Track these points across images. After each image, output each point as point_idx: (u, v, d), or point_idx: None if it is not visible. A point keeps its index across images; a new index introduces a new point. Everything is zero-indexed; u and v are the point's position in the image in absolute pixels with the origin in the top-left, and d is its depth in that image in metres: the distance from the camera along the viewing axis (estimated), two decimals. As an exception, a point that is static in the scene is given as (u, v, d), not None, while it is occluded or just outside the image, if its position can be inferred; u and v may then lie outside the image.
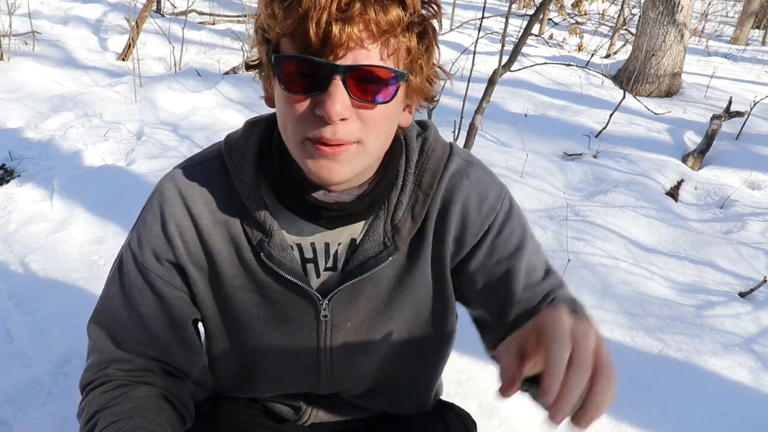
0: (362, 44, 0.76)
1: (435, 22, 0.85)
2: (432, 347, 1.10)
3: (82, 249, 2.81)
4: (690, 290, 2.92)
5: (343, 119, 0.79)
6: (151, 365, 1.00)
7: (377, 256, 0.95)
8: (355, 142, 0.82)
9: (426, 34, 0.83)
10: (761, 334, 2.62)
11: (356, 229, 0.97)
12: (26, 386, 2.05)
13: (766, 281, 2.81)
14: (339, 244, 0.98)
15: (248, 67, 0.90)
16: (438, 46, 0.88)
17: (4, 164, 3.63)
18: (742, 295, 2.88)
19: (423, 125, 1.04)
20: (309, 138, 0.81)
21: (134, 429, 0.89)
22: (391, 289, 1.00)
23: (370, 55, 0.77)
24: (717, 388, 2.29)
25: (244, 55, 5.97)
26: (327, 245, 0.98)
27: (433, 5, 0.84)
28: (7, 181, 3.43)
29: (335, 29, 0.73)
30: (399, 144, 0.97)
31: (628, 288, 2.86)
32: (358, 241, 0.97)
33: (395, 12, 0.76)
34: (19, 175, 3.52)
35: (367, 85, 0.78)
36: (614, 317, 2.64)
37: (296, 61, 0.78)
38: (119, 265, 1.01)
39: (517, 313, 0.99)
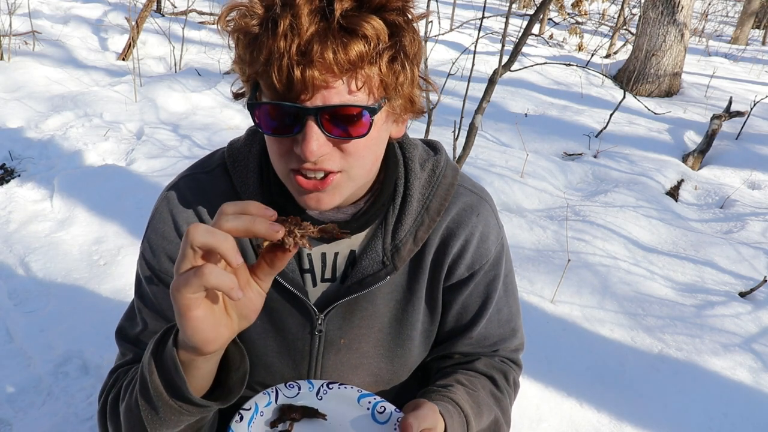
0: (328, 83, 0.75)
1: (410, 38, 0.80)
2: (421, 365, 1.12)
3: (82, 249, 2.81)
4: (690, 290, 2.92)
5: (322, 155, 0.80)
6: None
7: (376, 274, 0.97)
8: (338, 171, 0.83)
9: (397, 58, 0.79)
10: (761, 334, 2.62)
11: (355, 241, 0.99)
12: (26, 386, 2.06)
13: (766, 281, 2.81)
14: (336, 254, 0.99)
15: (237, 96, 0.90)
16: (416, 67, 0.83)
17: (4, 164, 3.64)
18: (742, 295, 2.88)
19: (434, 147, 1.04)
20: (293, 170, 0.83)
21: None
22: (387, 308, 1.02)
23: (339, 91, 0.77)
24: (717, 388, 2.29)
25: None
26: (324, 255, 0.99)
27: (404, 17, 0.79)
28: (7, 181, 3.43)
29: (297, 73, 0.73)
30: (395, 160, 0.98)
31: (628, 288, 2.86)
32: (357, 253, 0.99)
33: (356, 48, 0.74)
34: (19, 175, 3.52)
35: (340, 122, 0.78)
36: (614, 317, 2.64)
37: (268, 106, 0.78)
38: (137, 280, 1.02)
39: (461, 350, 1.09)
